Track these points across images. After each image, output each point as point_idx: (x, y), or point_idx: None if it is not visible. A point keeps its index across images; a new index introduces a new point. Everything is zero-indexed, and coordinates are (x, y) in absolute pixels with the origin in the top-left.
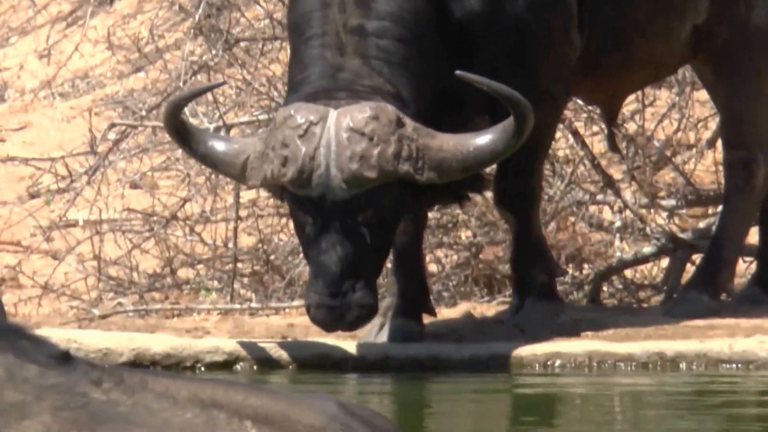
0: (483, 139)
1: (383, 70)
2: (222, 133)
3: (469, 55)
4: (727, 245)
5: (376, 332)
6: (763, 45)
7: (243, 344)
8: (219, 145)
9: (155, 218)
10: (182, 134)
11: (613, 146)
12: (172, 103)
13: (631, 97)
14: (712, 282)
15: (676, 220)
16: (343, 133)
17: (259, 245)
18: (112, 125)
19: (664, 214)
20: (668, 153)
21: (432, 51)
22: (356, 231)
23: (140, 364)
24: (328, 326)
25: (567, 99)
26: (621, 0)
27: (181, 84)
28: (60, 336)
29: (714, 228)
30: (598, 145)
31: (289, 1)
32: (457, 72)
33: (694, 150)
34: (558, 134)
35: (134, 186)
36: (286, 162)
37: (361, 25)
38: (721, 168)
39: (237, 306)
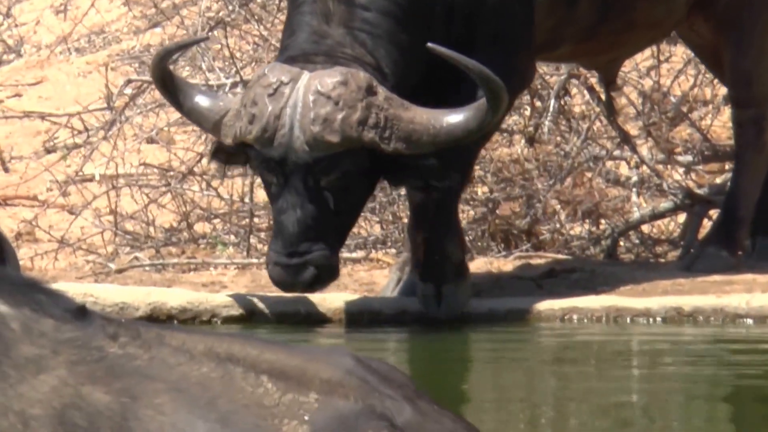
0: (456, 115)
1: (366, 41)
2: (239, 88)
3: (449, 34)
4: (741, 202)
5: (392, 287)
6: (766, 2)
7: (260, 298)
8: (203, 101)
9: (172, 173)
10: (169, 87)
11: (611, 111)
12: (158, 55)
13: (647, 53)
14: (730, 238)
15: (693, 175)
16: (310, 95)
17: None
18: (129, 81)
19: (681, 170)
20: (684, 109)
21: (418, 29)
22: (317, 193)
23: (157, 318)
24: (285, 285)
25: (533, 78)
26: None
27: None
28: (76, 290)
29: (728, 185)
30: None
31: None
32: (429, 44)
33: (710, 106)
34: (574, 90)
35: (150, 141)
36: (253, 120)
37: None
38: None
39: (254, 260)
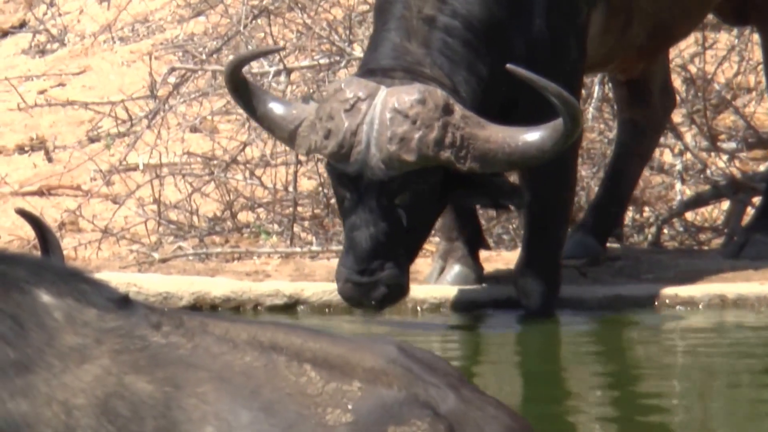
0: (532, 135)
1: (444, 65)
2: (282, 77)
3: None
4: None
5: (436, 276)
6: None
7: (304, 287)
8: (277, 108)
9: (215, 162)
10: (242, 92)
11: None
12: (232, 62)
13: (691, 40)
14: None
15: (737, 162)
16: (387, 113)
17: (320, 189)
18: (173, 69)
19: (725, 157)
20: (728, 96)
21: (495, 61)
22: (390, 211)
23: (200, 307)
24: (355, 302)
25: None
26: None
27: (241, 28)
28: (120, 280)
29: (765, 173)
30: None
31: None
32: (509, 66)
33: (753, 93)
34: None
35: (194, 130)
36: (329, 134)
37: (433, 17)
38: None
39: (297, 249)
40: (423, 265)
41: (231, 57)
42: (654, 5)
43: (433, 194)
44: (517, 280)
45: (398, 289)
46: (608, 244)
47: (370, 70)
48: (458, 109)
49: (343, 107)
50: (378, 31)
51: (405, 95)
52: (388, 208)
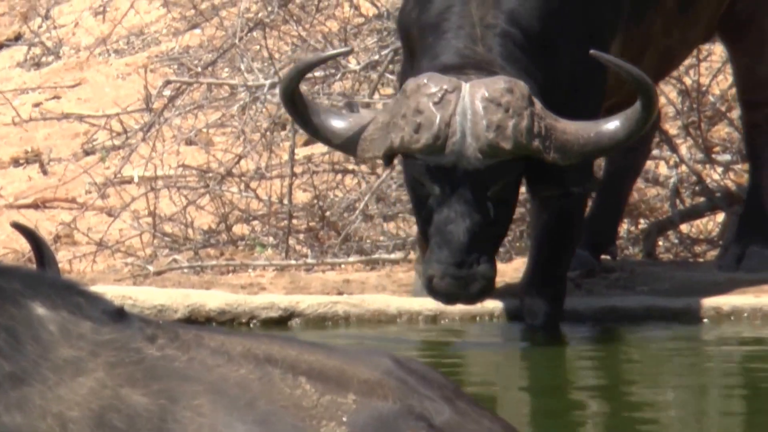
0: (605, 125)
1: (507, 67)
2: (277, 89)
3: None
4: (766, 198)
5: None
6: None
7: (299, 300)
8: (332, 118)
9: (210, 174)
10: (298, 106)
11: None
12: (293, 71)
13: None
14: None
15: (732, 175)
16: (480, 102)
17: (315, 201)
18: (168, 82)
19: (720, 169)
20: (723, 108)
21: (548, 69)
22: (484, 203)
23: (195, 320)
24: (451, 297)
25: None
26: (676, 28)
27: (236, 41)
28: (115, 292)
29: (750, 185)
30: None
31: (416, 3)
32: (592, 51)
33: None
34: None
35: (189, 142)
36: (420, 128)
37: (495, 25)
38: None
39: (292, 262)
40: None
41: (226, 69)
42: (665, 37)
43: (517, 187)
44: (523, 298)
45: (492, 283)
46: (603, 257)
47: (441, 67)
48: (537, 102)
49: (432, 100)
50: (435, 41)
51: (493, 84)
52: (482, 199)
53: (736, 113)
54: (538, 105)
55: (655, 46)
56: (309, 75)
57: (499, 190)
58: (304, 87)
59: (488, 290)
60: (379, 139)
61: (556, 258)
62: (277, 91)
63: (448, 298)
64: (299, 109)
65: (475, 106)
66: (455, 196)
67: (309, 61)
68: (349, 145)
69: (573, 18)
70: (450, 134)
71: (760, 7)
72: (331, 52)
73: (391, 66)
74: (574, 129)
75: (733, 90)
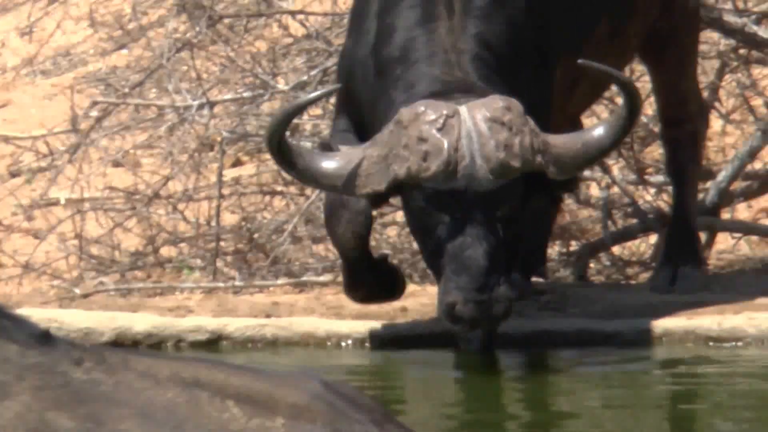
0: (589, 135)
1: (487, 89)
2: (205, 110)
3: None
4: (694, 217)
5: None
6: (695, 26)
7: (227, 322)
8: (320, 160)
9: (137, 196)
10: (284, 152)
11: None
12: (276, 118)
13: None
14: (698, 255)
15: (665, 196)
16: (483, 123)
17: (243, 223)
18: (95, 103)
19: (652, 191)
20: (656, 128)
21: (516, 88)
22: (495, 224)
23: (122, 343)
24: (474, 322)
25: None
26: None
27: (164, 61)
28: (41, 315)
29: (675, 203)
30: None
31: (367, 40)
32: (580, 61)
33: None
34: None
35: (116, 164)
36: (427, 156)
37: (467, 50)
38: (709, 143)
39: (220, 284)
40: (347, 300)
41: (154, 90)
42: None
43: (521, 205)
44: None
45: (511, 306)
46: (533, 279)
47: (427, 96)
48: (529, 119)
49: (434, 127)
50: (405, 72)
51: (491, 104)
52: (494, 221)
53: None
54: (531, 121)
55: (587, 75)
56: (237, 95)
57: (507, 210)
58: (232, 108)
59: (510, 312)
60: (377, 173)
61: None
62: (205, 111)
63: (472, 323)
64: (285, 156)
65: (480, 127)
66: (468, 220)
67: (297, 104)
68: (341, 184)
69: (529, 42)
70: (459, 159)
71: (680, 24)
72: (317, 93)
73: (320, 86)
74: (562, 142)
75: None
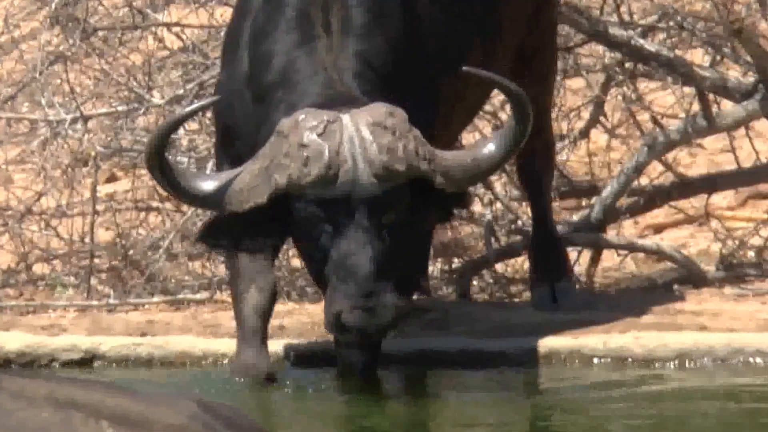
0: (479, 150)
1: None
2: (79, 124)
3: None
4: (555, 228)
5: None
6: (554, 39)
7: (101, 341)
8: (199, 181)
9: (9, 212)
10: (164, 169)
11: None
12: (156, 134)
13: None
14: (570, 268)
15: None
16: (365, 127)
17: (117, 240)
18: None
19: None
20: None
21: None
22: (382, 231)
23: None
24: (364, 330)
25: None
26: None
27: (37, 74)
28: None
29: (535, 216)
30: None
31: (249, 68)
32: (465, 68)
33: (566, 140)
34: None
35: None
36: (308, 161)
37: (348, 67)
38: (594, 158)
39: (94, 302)
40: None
41: (26, 104)
42: (472, 92)
43: (407, 215)
44: (339, 349)
45: (402, 311)
46: (415, 297)
47: (314, 105)
48: (414, 128)
49: (316, 132)
50: (287, 94)
51: (375, 110)
52: (380, 227)
53: None
54: (416, 130)
55: (462, 100)
56: (112, 109)
57: (393, 217)
58: (106, 122)
59: (398, 321)
60: (259, 185)
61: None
62: (79, 125)
63: (360, 331)
64: (166, 174)
65: (362, 131)
66: (352, 226)
67: (174, 119)
68: (223, 201)
69: (410, 62)
70: (341, 162)
71: (543, 42)
72: (194, 106)
73: (196, 100)
74: (452, 156)
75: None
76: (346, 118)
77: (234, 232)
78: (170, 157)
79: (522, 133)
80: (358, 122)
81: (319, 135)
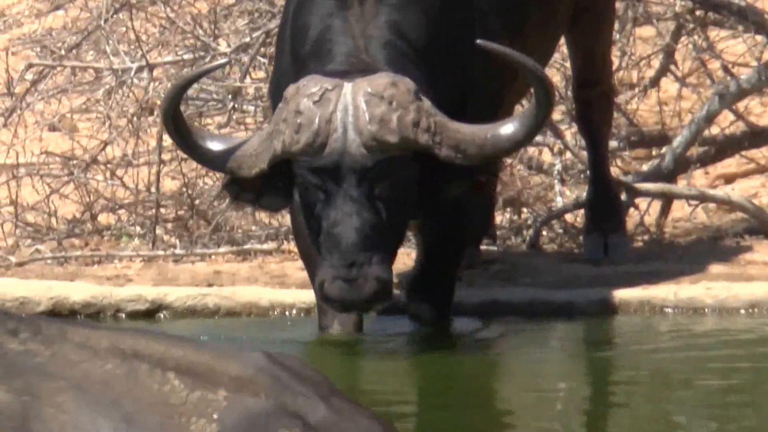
0: (502, 127)
1: (401, 72)
2: (145, 73)
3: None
4: (612, 182)
5: None
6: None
7: (167, 292)
8: (213, 142)
9: (75, 162)
10: (180, 125)
11: None
12: (170, 91)
13: None
14: (623, 221)
15: (619, 162)
16: (362, 97)
17: (183, 189)
18: (30, 65)
19: None
20: None
21: (440, 81)
22: (372, 201)
23: (59, 313)
24: (345, 302)
25: None
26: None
27: (102, 23)
28: None
29: (593, 168)
30: None
31: (291, 43)
32: (479, 41)
33: (636, 89)
34: None
35: (53, 128)
36: (300, 128)
37: (378, 35)
38: (665, 107)
39: (160, 252)
40: (291, 268)
41: (91, 53)
42: (533, 52)
43: (411, 187)
44: (409, 304)
45: (387, 285)
46: (484, 247)
47: (326, 72)
48: (426, 99)
49: (312, 99)
50: (317, 63)
51: (376, 80)
52: (370, 197)
53: (623, 97)
54: (426, 102)
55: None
56: (177, 58)
57: (388, 188)
58: (172, 70)
59: (383, 294)
60: (263, 151)
61: (448, 263)
62: (144, 74)
63: (342, 303)
64: (181, 130)
65: (357, 101)
66: (341, 196)
67: (188, 77)
68: (234, 165)
69: (454, 31)
70: (331, 131)
71: None
72: (209, 65)
73: (263, 49)
74: (469, 130)
75: (620, 73)
76: (347, 87)
77: (254, 188)
78: (235, 105)
79: (544, 115)
80: (357, 91)
81: (315, 102)
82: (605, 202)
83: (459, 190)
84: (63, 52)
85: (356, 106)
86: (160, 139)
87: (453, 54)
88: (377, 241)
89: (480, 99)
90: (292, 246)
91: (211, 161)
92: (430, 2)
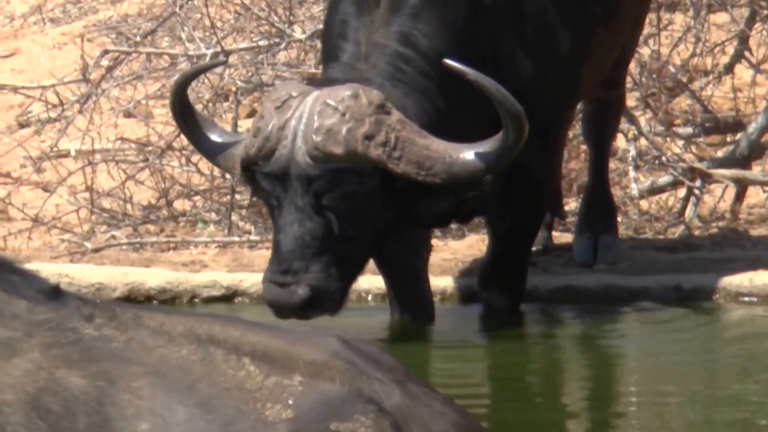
0: (476, 148)
1: (386, 85)
2: (221, 57)
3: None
4: (608, 183)
5: None
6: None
7: (242, 278)
8: (216, 135)
9: (150, 148)
10: (187, 119)
11: None
12: (177, 82)
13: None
14: (615, 223)
15: (693, 148)
16: (317, 106)
17: None
18: (105, 52)
19: (681, 143)
20: (684, 79)
21: (459, 94)
22: (317, 211)
23: (135, 299)
24: (276, 305)
25: None
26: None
27: (177, 9)
28: (51, 270)
29: (594, 167)
30: None
31: (323, 42)
32: (445, 60)
33: (711, 76)
34: None
35: (128, 115)
36: (257, 132)
37: (384, 44)
38: (739, 93)
39: (235, 238)
40: None
41: (166, 39)
42: (602, 51)
43: (371, 201)
44: (482, 293)
45: (324, 294)
46: (559, 233)
47: (311, 81)
48: (395, 113)
49: (275, 105)
50: (329, 61)
51: (338, 91)
52: (315, 207)
53: (697, 84)
54: (395, 115)
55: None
56: (252, 44)
57: (337, 200)
58: (247, 57)
59: (320, 304)
60: (239, 153)
61: (519, 249)
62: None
63: (273, 306)
64: (189, 123)
65: (312, 110)
66: (287, 203)
67: (187, 74)
68: (229, 163)
69: (476, 49)
70: (282, 138)
71: None
72: (205, 63)
73: None
74: (442, 147)
75: (695, 60)
76: (313, 95)
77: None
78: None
79: (513, 149)
80: (317, 99)
81: (276, 108)
82: (600, 202)
83: (438, 207)
84: (138, 38)
85: (310, 114)
86: (235, 125)
87: (481, 61)
88: (320, 252)
89: (540, 95)
90: None
91: (215, 161)
92: (453, 11)
